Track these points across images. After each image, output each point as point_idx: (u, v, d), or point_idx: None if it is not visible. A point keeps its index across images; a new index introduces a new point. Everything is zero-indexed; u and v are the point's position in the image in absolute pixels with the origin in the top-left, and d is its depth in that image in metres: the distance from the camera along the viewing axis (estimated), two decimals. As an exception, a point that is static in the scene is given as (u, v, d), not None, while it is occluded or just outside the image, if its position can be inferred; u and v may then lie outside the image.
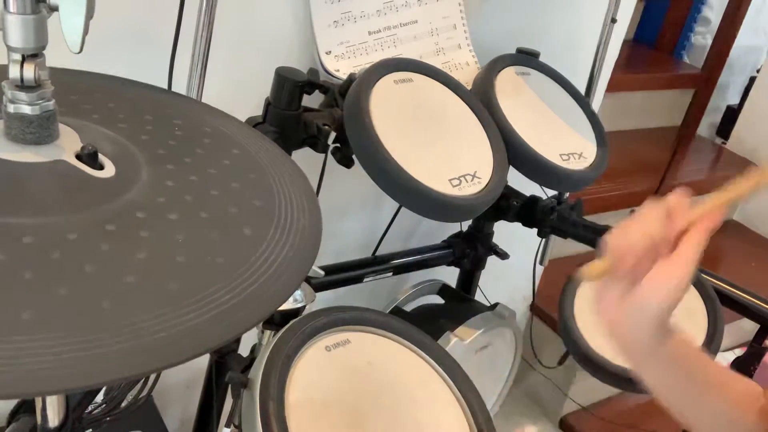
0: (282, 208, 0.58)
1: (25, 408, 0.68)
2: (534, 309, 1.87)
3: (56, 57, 0.54)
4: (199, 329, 0.45)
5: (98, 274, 0.46)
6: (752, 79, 2.76)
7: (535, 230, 1.26)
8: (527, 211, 1.23)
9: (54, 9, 0.50)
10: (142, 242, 0.49)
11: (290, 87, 0.93)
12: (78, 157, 0.54)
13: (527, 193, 1.25)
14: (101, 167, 0.54)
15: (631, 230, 0.55)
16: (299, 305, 0.86)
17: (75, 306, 0.43)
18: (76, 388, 0.44)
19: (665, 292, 0.53)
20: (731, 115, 2.79)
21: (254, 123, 0.95)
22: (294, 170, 0.65)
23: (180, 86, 0.90)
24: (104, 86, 0.69)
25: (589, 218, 1.26)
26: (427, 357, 0.85)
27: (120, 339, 0.42)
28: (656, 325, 0.55)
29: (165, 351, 0.43)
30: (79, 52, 0.51)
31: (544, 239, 1.50)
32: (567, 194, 1.35)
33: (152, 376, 0.84)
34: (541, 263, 1.56)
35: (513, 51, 1.24)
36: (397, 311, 1.25)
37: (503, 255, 1.35)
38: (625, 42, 1.63)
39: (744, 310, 1.14)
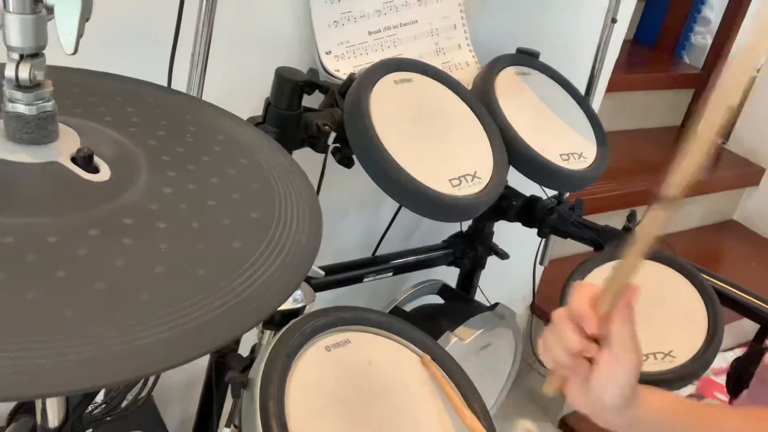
0: (279, 224, 0.56)
1: (25, 408, 0.68)
2: (534, 309, 1.87)
3: (55, 56, 0.54)
4: (158, 346, 0.43)
5: (68, 280, 0.44)
6: (752, 79, 2.76)
7: (535, 230, 1.26)
8: (527, 211, 1.23)
9: (50, 10, 0.50)
10: (122, 249, 0.48)
11: (290, 87, 0.93)
12: (73, 159, 0.53)
13: (527, 193, 1.25)
14: (96, 171, 0.53)
15: (551, 347, 0.57)
16: (299, 305, 0.86)
17: (38, 311, 0.42)
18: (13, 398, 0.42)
19: (612, 387, 0.55)
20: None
21: (254, 123, 0.95)
22: (304, 186, 0.63)
23: (180, 86, 0.90)
24: (127, 89, 0.68)
25: (589, 218, 1.26)
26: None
27: (78, 348, 0.41)
28: (620, 411, 0.57)
29: (118, 365, 0.41)
30: (73, 54, 0.51)
31: (544, 239, 1.50)
32: (567, 194, 1.35)
33: (152, 376, 0.84)
34: (541, 263, 1.56)
35: (513, 51, 1.24)
36: (397, 311, 1.24)
37: (503, 255, 1.35)
38: (625, 42, 1.63)
39: (744, 310, 1.14)
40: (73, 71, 0.66)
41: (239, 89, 1.04)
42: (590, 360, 0.56)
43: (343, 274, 1.20)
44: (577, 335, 0.55)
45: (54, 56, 0.53)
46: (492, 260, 1.36)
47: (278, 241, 0.54)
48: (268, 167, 0.63)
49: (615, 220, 1.34)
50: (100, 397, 0.81)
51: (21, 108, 0.52)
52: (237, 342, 0.92)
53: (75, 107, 0.60)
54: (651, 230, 0.53)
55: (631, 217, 1.21)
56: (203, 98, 0.92)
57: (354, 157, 0.97)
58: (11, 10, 0.49)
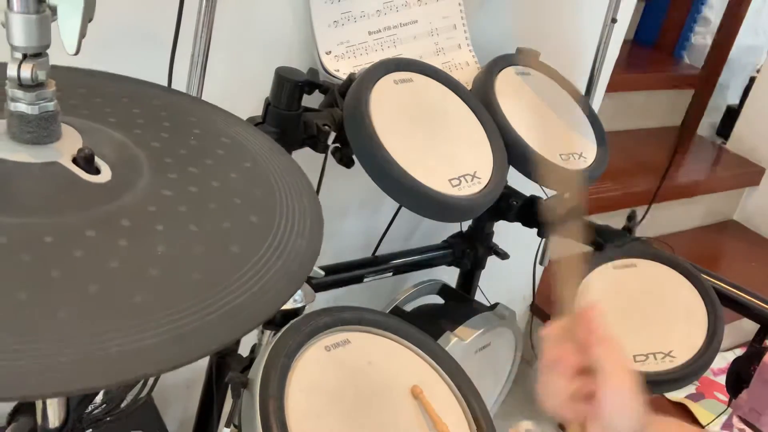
0: (279, 229, 0.55)
1: (25, 408, 0.68)
2: (534, 309, 1.87)
3: (58, 55, 0.54)
4: (147, 351, 0.42)
5: (62, 281, 0.44)
6: (752, 79, 2.76)
7: (535, 230, 1.26)
8: (527, 211, 1.23)
9: (54, 10, 0.50)
10: (117, 251, 0.47)
11: (290, 87, 0.93)
12: (74, 160, 0.53)
13: (527, 193, 1.25)
14: (97, 172, 0.53)
15: (548, 400, 0.55)
16: (299, 305, 0.86)
17: (30, 312, 0.42)
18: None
19: (621, 413, 0.52)
20: (731, 115, 2.79)
21: (254, 123, 0.95)
22: (308, 192, 0.62)
23: (180, 86, 0.90)
24: (134, 91, 0.68)
25: (589, 218, 1.26)
26: (427, 357, 0.85)
27: (69, 350, 0.40)
28: None
29: (106, 369, 0.41)
30: (75, 54, 0.51)
31: (544, 239, 1.50)
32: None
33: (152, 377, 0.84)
34: (541, 263, 1.56)
35: (513, 51, 1.24)
36: (397, 311, 1.24)
37: (503, 255, 1.35)
38: (625, 42, 1.63)
39: (744, 310, 1.14)
40: (81, 72, 0.66)
41: (239, 89, 1.04)
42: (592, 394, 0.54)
43: (343, 274, 1.20)
44: (564, 379, 0.53)
45: (57, 56, 0.53)
46: (492, 260, 1.36)
47: (277, 245, 0.53)
48: (270, 172, 0.63)
49: (615, 220, 1.34)
50: (100, 398, 0.81)
51: (23, 107, 0.52)
52: (237, 342, 0.92)
53: (80, 108, 0.59)
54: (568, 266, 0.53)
55: (631, 217, 1.21)
56: (203, 98, 0.92)
57: (354, 157, 0.97)
58: (15, 9, 0.49)
